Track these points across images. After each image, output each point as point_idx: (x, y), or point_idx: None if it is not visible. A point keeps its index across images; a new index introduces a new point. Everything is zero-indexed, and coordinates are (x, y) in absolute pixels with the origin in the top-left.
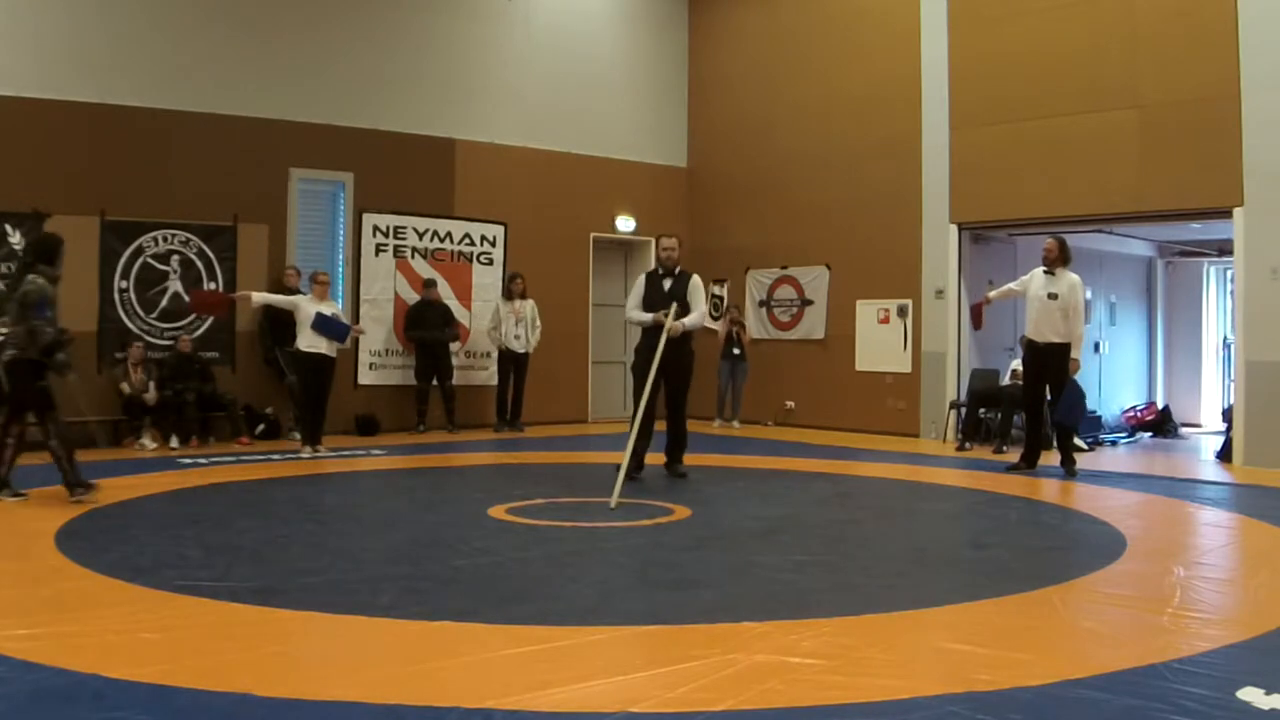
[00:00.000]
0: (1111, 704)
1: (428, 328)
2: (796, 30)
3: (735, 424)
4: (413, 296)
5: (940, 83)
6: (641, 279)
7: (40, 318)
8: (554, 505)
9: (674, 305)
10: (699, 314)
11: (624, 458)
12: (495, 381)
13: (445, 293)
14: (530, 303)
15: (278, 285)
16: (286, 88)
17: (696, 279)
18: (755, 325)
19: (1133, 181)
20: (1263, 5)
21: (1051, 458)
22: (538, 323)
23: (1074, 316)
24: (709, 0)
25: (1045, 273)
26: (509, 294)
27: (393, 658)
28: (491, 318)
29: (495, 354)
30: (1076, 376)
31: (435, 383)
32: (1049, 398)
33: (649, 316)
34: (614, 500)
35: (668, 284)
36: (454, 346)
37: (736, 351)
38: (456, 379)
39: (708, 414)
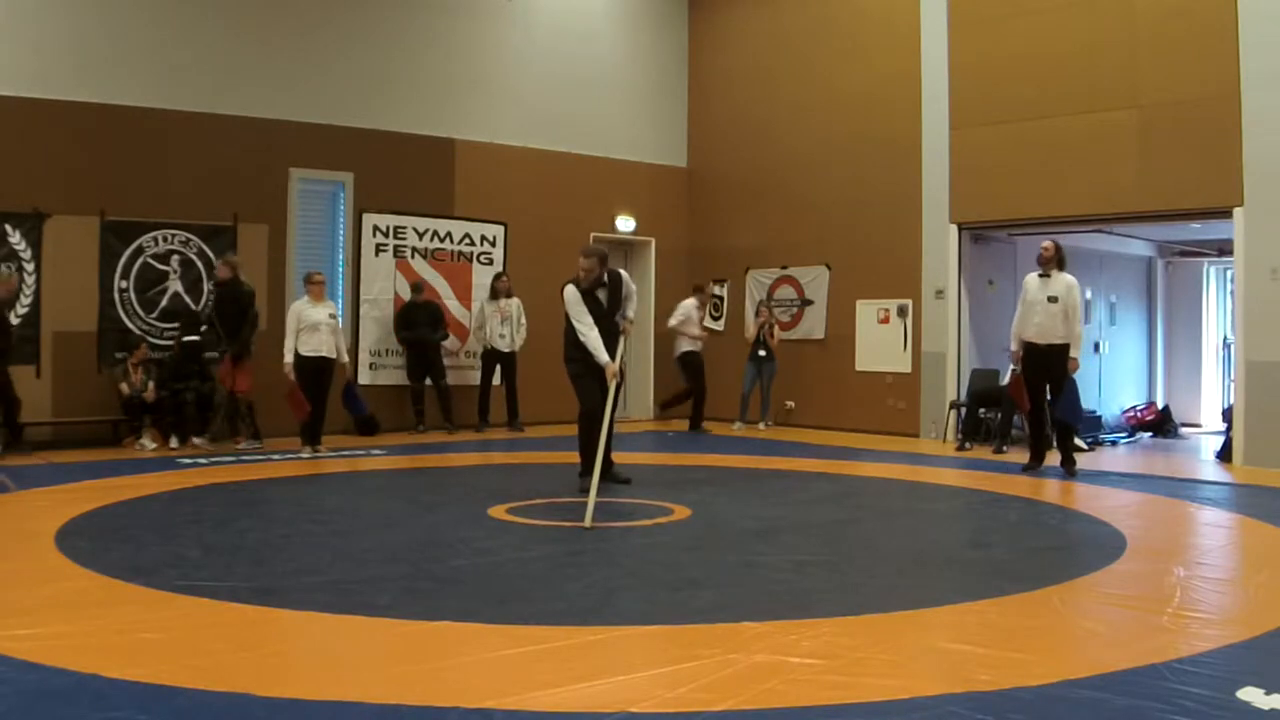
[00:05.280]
0: (1111, 704)
1: (416, 328)
2: (796, 30)
3: (762, 425)
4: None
5: (940, 83)
6: (574, 295)
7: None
8: (554, 505)
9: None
10: (633, 309)
11: (593, 480)
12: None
13: (445, 293)
14: (515, 301)
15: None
16: (286, 88)
17: (625, 276)
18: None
19: (1133, 181)
20: (1263, 5)
21: (1052, 457)
22: (523, 321)
23: (1073, 316)
24: (709, 0)
25: (1041, 275)
26: (494, 293)
27: (393, 658)
28: (476, 317)
29: (480, 353)
30: (1075, 376)
31: (430, 383)
32: (1049, 398)
33: (607, 360)
34: (588, 520)
35: (603, 295)
36: (453, 346)
37: (763, 353)
38: (454, 378)
39: (730, 415)
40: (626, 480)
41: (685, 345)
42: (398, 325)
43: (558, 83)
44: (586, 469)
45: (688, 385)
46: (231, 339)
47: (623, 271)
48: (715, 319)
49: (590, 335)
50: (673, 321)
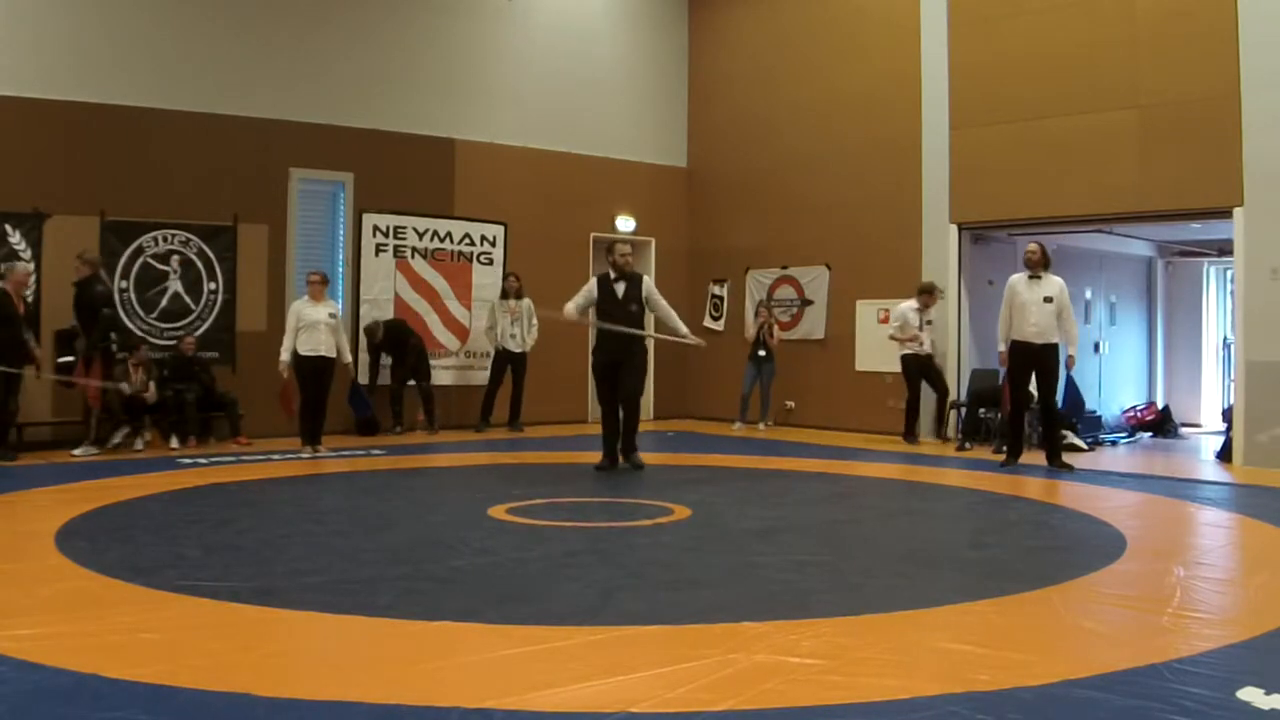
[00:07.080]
0: (1111, 704)
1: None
2: (796, 30)
3: (761, 425)
4: (413, 297)
5: (940, 83)
6: (593, 282)
7: None
8: (554, 505)
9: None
10: (675, 317)
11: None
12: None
13: (445, 293)
14: (526, 301)
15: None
16: (286, 88)
17: (649, 281)
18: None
19: (1133, 181)
20: (1263, 5)
21: (1040, 458)
22: (534, 321)
23: (1068, 315)
24: (709, 0)
25: (1031, 277)
26: (505, 293)
27: (393, 658)
28: (488, 317)
29: (492, 354)
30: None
31: (415, 383)
32: (1043, 396)
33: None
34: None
35: (621, 288)
36: (453, 347)
37: (763, 354)
38: (454, 379)
39: (730, 415)
40: (640, 466)
41: (907, 349)
42: None
43: (558, 83)
44: (604, 451)
45: (912, 393)
46: (88, 339)
47: (647, 278)
48: (715, 319)
49: (568, 306)
50: (891, 330)
